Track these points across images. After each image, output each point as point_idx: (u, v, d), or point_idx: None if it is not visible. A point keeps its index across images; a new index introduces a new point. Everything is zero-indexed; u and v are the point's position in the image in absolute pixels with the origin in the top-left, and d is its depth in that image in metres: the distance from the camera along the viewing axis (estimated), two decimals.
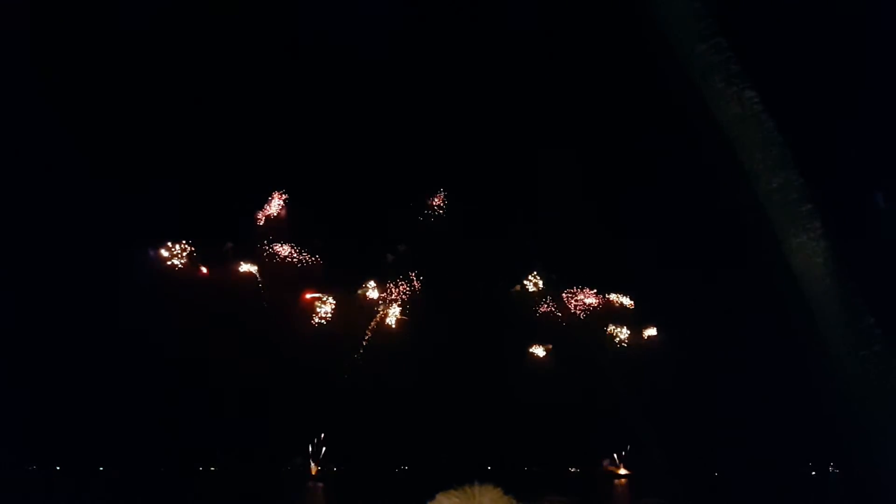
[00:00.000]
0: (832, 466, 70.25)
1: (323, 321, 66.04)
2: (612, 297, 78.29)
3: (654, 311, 75.42)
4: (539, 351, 72.72)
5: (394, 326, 68.38)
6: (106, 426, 53.87)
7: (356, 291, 68.82)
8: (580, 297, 77.19)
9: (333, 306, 67.04)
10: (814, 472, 73.44)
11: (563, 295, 75.29)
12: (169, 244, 63.37)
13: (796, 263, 6.17)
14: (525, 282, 76.18)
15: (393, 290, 69.74)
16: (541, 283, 76.98)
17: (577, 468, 73.54)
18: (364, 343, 68.39)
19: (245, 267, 64.87)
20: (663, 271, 64.23)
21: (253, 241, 66.87)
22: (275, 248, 67.06)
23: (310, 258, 67.69)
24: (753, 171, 6.49)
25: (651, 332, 78.25)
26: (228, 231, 65.82)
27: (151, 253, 62.89)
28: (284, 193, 68.52)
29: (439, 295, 69.17)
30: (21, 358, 50.40)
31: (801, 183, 6.30)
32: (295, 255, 67.02)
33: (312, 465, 63.25)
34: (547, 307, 77.22)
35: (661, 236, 63.40)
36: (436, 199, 73.74)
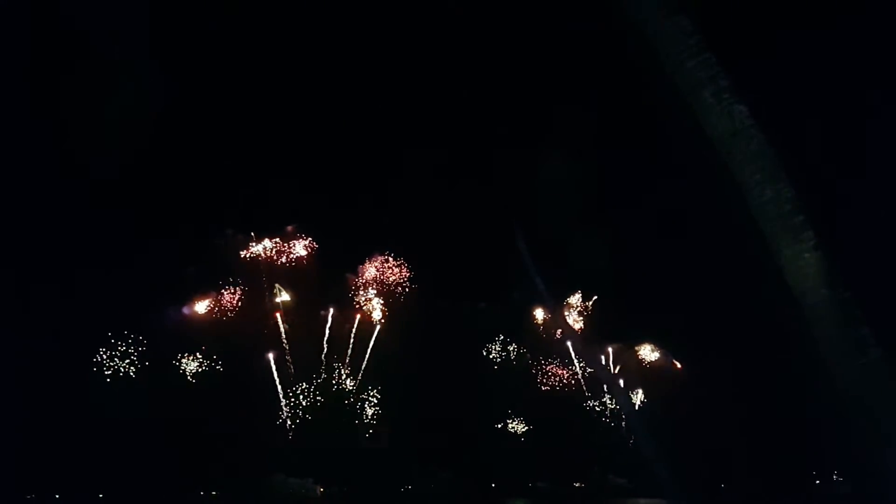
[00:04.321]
0: (835, 474, 70.06)
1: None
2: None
3: (649, 324, 75.15)
4: (519, 426, 71.79)
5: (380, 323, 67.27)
6: (104, 452, 53.40)
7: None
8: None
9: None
10: (817, 481, 73.25)
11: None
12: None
13: (791, 274, 6.24)
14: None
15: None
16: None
17: (581, 483, 73.26)
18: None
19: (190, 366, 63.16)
20: (657, 283, 64.21)
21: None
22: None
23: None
24: (746, 185, 6.56)
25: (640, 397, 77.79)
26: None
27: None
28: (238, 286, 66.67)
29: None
30: (17, 384, 50.01)
31: (792, 195, 6.38)
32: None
33: (318, 486, 62.80)
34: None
35: (652, 250, 63.26)
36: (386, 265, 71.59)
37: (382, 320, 67.85)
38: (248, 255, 66.50)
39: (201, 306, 63.66)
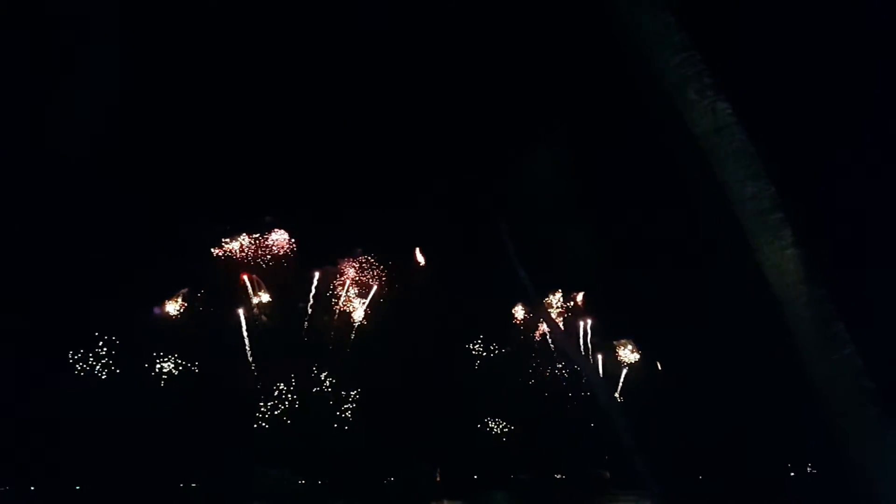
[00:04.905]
0: (809, 466, 71.08)
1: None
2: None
3: (627, 320, 75.64)
4: (500, 421, 71.77)
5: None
6: (80, 446, 52.92)
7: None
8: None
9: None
10: (792, 473, 74.20)
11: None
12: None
13: (769, 270, 6.36)
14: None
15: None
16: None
17: (561, 474, 73.70)
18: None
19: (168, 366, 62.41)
20: (635, 278, 64.65)
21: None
22: None
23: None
24: (727, 182, 6.66)
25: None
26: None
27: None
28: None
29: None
30: None
31: (772, 192, 6.48)
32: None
33: (298, 477, 62.65)
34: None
35: (633, 247, 63.62)
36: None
37: (364, 318, 67.81)
38: (222, 253, 65.46)
39: (174, 306, 62.91)
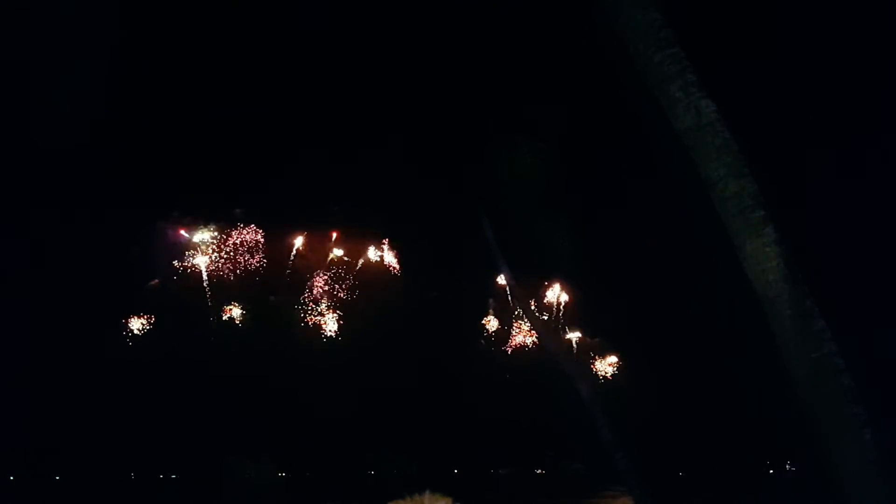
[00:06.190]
0: (789, 464, 71.89)
1: None
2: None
3: (607, 316, 75.89)
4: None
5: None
6: (58, 437, 52.33)
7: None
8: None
9: None
10: (771, 471, 75.03)
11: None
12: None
13: (751, 268, 6.35)
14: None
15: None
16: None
17: (542, 469, 73.97)
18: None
19: None
20: (615, 274, 64.86)
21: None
22: None
23: None
24: (709, 179, 6.64)
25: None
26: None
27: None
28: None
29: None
30: None
31: (754, 190, 6.47)
32: None
33: (276, 470, 62.44)
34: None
35: (614, 241, 63.66)
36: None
37: (337, 314, 67.61)
38: (191, 250, 64.34)
39: (139, 323, 62.06)
